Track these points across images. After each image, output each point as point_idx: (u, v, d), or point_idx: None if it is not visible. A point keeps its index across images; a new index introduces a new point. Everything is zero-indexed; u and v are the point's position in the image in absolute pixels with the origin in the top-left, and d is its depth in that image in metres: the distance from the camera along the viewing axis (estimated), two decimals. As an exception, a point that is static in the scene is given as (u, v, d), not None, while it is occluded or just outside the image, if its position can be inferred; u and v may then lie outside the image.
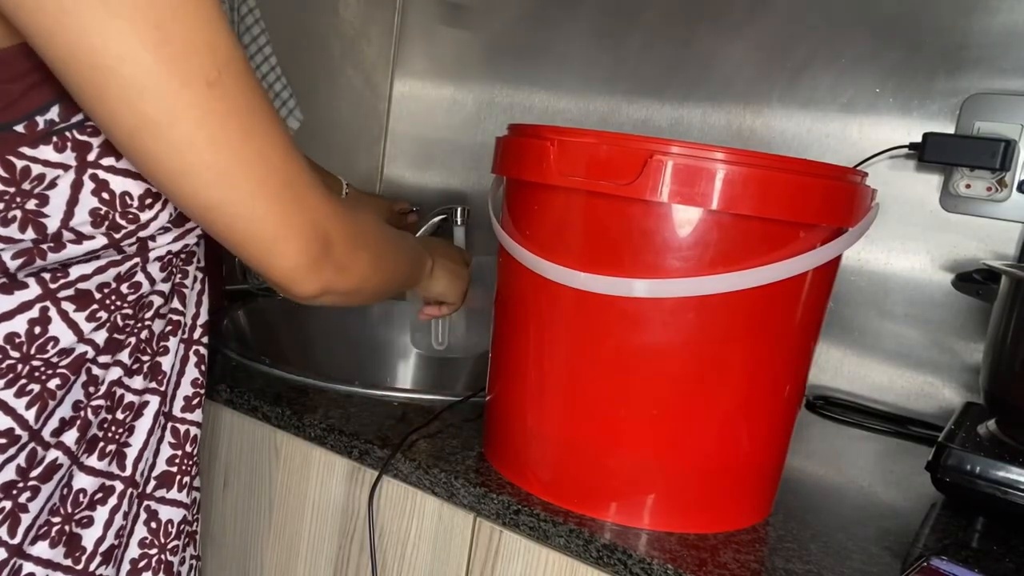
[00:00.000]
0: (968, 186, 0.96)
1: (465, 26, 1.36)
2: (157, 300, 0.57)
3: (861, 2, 1.03)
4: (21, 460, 0.51)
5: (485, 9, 1.34)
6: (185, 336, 0.62)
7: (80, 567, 0.55)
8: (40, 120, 0.46)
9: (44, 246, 0.49)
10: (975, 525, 0.72)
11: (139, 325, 0.57)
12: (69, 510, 0.55)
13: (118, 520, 0.57)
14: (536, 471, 0.66)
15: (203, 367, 0.64)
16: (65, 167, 0.48)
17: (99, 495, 0.56)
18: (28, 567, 0.52)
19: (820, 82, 1.06)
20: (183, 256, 0.59)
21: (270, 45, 1.12)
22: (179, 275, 0.59)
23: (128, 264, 0.54)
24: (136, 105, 0.43)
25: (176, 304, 0.60)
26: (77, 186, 0.49)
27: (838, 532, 0.67)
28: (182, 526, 0.64)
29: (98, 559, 0.56)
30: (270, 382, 0.84)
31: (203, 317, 0.64)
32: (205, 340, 0.64)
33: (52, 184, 0.48)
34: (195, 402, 0.64)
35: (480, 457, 0.72)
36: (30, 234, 0.48)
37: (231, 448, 0.85)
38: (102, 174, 0.49)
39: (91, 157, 0.48)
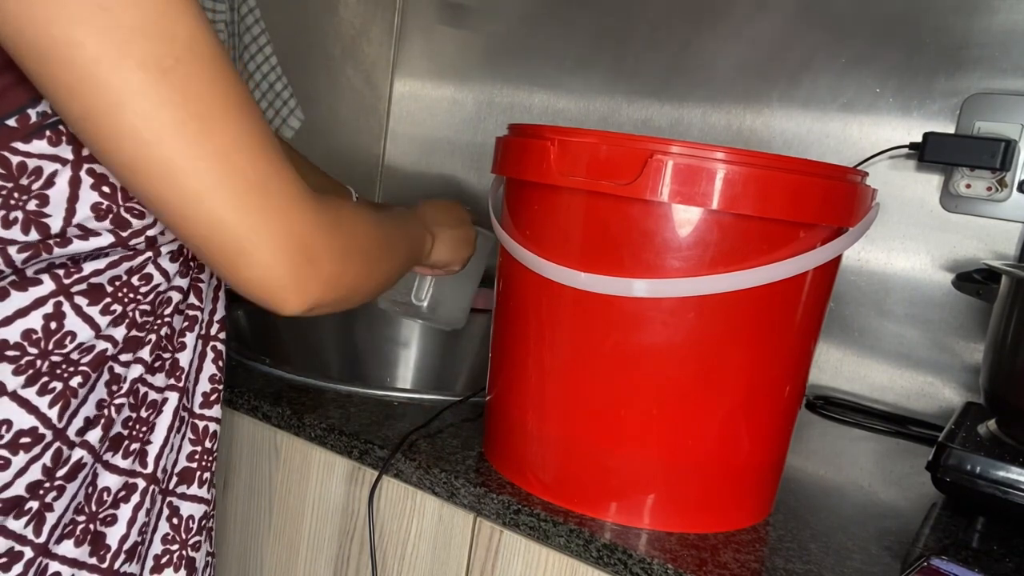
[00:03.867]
0: (968, 186, 0.96)
1: (465, 26, 1.36)
2: (176, 296, 0.57)
3: (861, 2, 1.03)
4: (47, 459, 0.51)
5: (485, 9, 1.34)
6: (203, 332, 0.62)
7: (105, 565, 0.55)
8: (32, 113, 0.45)
9: (50, 242, 0.48)
10: (975, 525, 0.71)
11: (159, 322, 0.56)
12: (94, 509, 0.55)
13: (141, 517, 0.57)
14: (536, 471, 0.66)
15: (220, 363, 0.64)
16: (62, 160, 0.47)
17: (122, 493, 0.56)
18: (54, 566, 0.52)
19: (820, 82, 1.06)
20: None
21: (270, 45, 1.12)
22: (196, 270, 0.59)
23: (140, 259, 0.53)
24: (81, 92, 0.41)
25: (193, 299, 0.59)
26: (75, 182, 0.48)
27: (838, 532, 0.67)
28: (203, 522, 0.64)
29: (123, 557, 0.56)
30: (270, 382, 0.84)
31: (220, 313, 0.63)
32: (222, 336, 0.63)
33: (50, 182, 0.47)
34: (213, 398, 0.63)
35: (480, 457, 0.72)
36: (33, 235, 0.48)
37: (231, 448, 0.85)
38: (100, 168, 0.48)
39: (87, 151, 0.48)
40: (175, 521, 0.62)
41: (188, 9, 0.43)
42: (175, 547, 0.62)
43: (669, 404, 0.61)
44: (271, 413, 0.79)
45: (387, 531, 0.74)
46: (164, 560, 0.61)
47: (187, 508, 0.62)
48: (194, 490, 0.63)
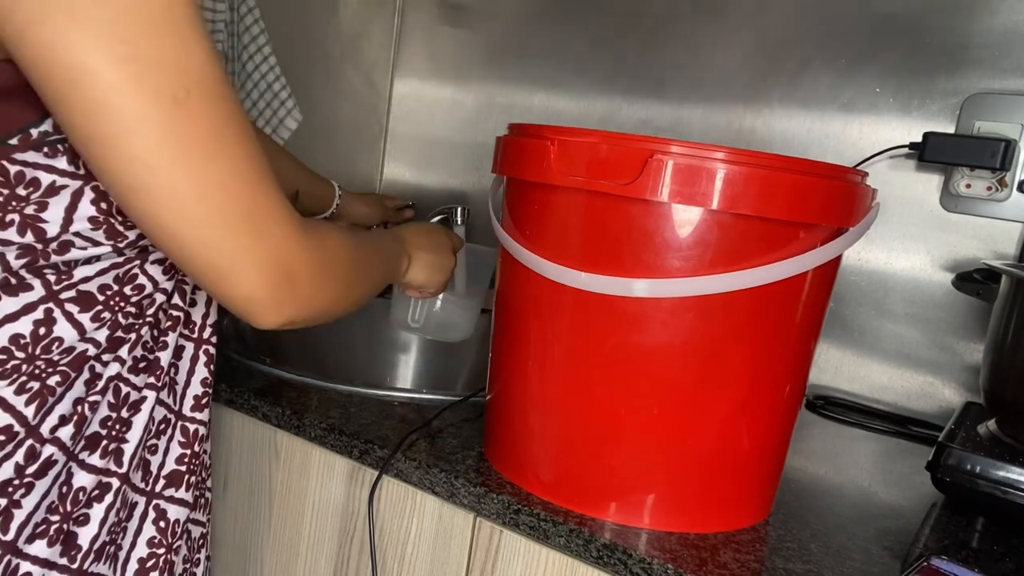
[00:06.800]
0: (968, 186, 0.96)
1: (465, 26, 1.36)
2: (160, 297, 0.57)
3: (861, 2, 1.03)
4: (19, 457, 0.51)
5: (485, 9, 1.34)
6: (196, 335, 0.62)
7: (75, 566, 0.55)
8: (34, 132, 0.47)
9: (48, 248, 0.49)
10: (975, 525, 0.71)
11: (140, 321, 0.57)
12: (68, 508, 0.54)
13: (112, 517, 0.57)
14: (536, 471, 0.66)
15: (212, 367, 0.64)
16: (59, 172, 0.48)
17: (96, 492, 0.56)
18: (25, 566, 0.52)
19: (820, 82, 1.06)
20: None
21: (270, 45, 1.12)
22: (181, 272, 0.59)
23: (128, 266, 0.54)
24: (95, 117, 0.42)
25: (177, 300, 0.60)
26: (77, 196, 0.49)
27: (838, 532, 0.67)
28: (185, 525, 0.64)
29: (92, 557, 0.56)
30: (270, 382, 0.84)
31: (213, 317, 0.64)
32: (214, 340, 0.64)
33: (52, 190, 0.48)
34: (204, 401, 0.64)
35: (480, 457, 0.72)
36: (29, 237, 0.48)
37: (231, 448, 0.85)
38: (103, 186, 0.49)
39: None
40: (162, 524, 0.62)
41: (201, 41, 0.45)
42: (161, 551, 0.62)
43: (669, 404, 0.61)
44: (271, 413, 0.79)
45: (387, 531, 0.74)
46: (150, 564, 0.61)
47: (174, 512, 0.62)
48: (181, 493, 0.63)
